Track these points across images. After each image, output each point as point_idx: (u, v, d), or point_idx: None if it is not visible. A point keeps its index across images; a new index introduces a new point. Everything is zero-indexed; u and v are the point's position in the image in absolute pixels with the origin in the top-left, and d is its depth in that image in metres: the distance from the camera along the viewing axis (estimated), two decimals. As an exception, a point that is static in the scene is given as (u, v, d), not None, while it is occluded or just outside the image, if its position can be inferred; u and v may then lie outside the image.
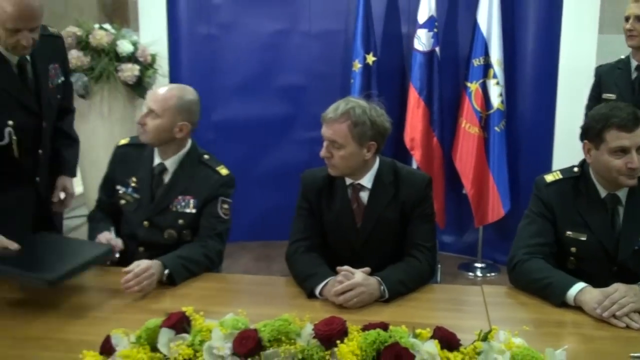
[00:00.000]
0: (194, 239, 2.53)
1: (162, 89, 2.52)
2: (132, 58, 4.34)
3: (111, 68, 4.25)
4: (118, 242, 2.41)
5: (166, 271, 2.29)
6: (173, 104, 2.47)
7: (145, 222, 2.55)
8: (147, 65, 4.43)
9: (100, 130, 4.35)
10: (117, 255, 2.41)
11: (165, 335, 1.65)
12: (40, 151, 2.62)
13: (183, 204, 2.53)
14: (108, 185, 2.67)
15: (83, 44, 4.25)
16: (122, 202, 2.61)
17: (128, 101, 4.45)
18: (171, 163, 2.56)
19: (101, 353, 1.67)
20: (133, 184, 2.59)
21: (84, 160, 4.43)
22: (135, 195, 2.58)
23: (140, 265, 2.22)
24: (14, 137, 2.46)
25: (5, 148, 2.45)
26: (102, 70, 4.22)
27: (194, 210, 2.53)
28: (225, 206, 2.55)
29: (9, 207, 2.45)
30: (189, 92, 2.56)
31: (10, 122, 2.45)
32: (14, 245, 2.19)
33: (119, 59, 4.31)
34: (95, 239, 2.42)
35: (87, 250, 2.26)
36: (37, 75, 2.52)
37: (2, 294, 2.15)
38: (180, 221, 2.52)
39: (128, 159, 2.63)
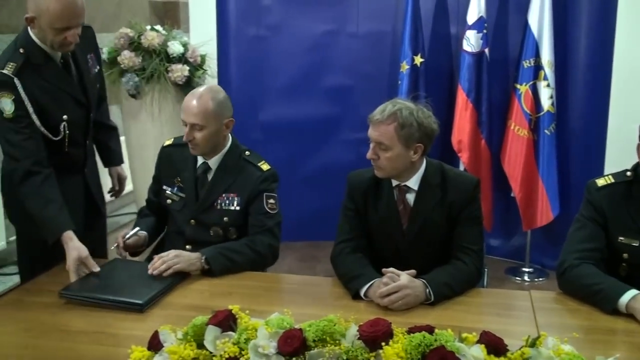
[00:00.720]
0: (239, 237, 2.55)
1: (192, 100, 2.46)
2: (182, 59, 4.41)
3: (162, 68, 4.32)
4: (122, 242, 2.52)
5: (203, 258, 2.33)
6: (212, 109, 2.46)
7: (192, 221, 2.59)
8: (197, 66, 4.49)
9: (151, 130, 4.42)
10: (125, 254, 2.53)
11: (211, 332, 1.67)
12: (87, 142, 2.73)
13: (227, 201, 2.56)
14: (155, 185, 2.74)
15: (135, 45, 4.33)
16: (169, 201, 2.66)
17: (177, 101, 4.51)
18: (214, 162, 2.59)
19: (149, 349, 1.69)
20: (178, 184, 2.63)
21: (133, 159, 4.53)
22: (181, 194, 2.62)
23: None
24: (67, 132, 2.56)
25: (58, 142, 2.55)
26: (153, 70, 4.29)
27: (237, 208, 2.55)
28: (271, 201, 2.56)
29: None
30: (217, 90, 2.56)
31: (65, 117, 2.55)
32: (96, 268, 2.31)
33: (170, 59, 4.37)
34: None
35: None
36: (79, 67, 2.61)
37: (54, 288, 2.21)
38: (225, 218, 2.56)
39: (172, 159, 2.67)
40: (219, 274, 2.34)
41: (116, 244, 2.54)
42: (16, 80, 2.38)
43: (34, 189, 2.41)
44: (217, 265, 2.35)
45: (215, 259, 2.36)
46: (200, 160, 2.61)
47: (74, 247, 2.30)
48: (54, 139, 2.53)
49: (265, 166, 2.60)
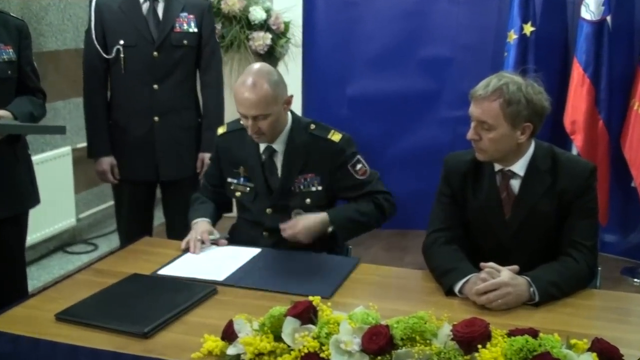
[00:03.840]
0: None
1: (247, 90, 2.41)
2: (264, 26, 4.46)
3: (242, 36, 4.39)
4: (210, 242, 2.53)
5: (330, 229, 2.53)
6: (271, 95, 2.43)
7: (268, 210, 2.62)
8: (280, 34, 4.54)
9: (229, 104, 4.49)
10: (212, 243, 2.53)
11: (290, 324, 1.69)
12: (155, 86, 3.19)
13: (306, 182, 2.59)
14: (213, 174, 2.77)
15: (214, 11, 4.40)
16: (238, 194, 2.68)
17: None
18: (279, 144, 2.59)
19: (223, 338, 1.74)
20: (244, 174, 2.65)
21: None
22: (249, 185, 2.64)
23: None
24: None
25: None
26: (232, 38, 4.36)
27: (320, 188, 2.59)
28: (359, 166, 2.61)
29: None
30: (268, 70, 2.50)
31: (122, 42, 3.14)
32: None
33: (251, 26, 4.43)
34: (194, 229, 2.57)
35: (192, 293, 2.13)
36: (161, 13, 3.19)
37: (125, 269, 2.30)
38: (308, 200, 2.59)
39: (231, 147, 2.68)
40: (345, 240, 2.63)
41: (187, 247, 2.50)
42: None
43: None
44: (344, 232, 2.58)
45: (342, 224, 2.55)
46: (262, 144, 2.61)
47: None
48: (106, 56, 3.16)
49: (336, 136, 2.60)
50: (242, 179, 2.65)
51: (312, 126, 2.62)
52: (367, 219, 2.60)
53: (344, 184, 2.60)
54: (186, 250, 2.48)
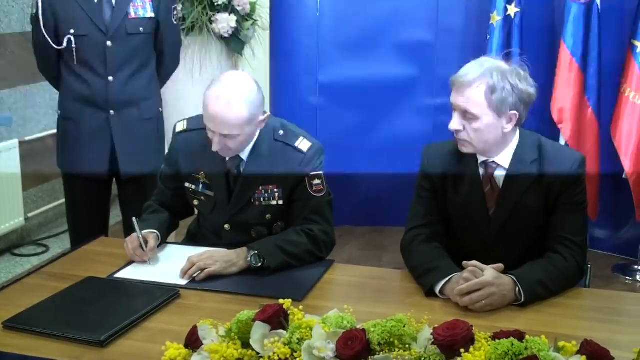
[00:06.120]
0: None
1: (220, 106, 2.27)
2: (228, 7, 4.44)
3: (204, 18, 4.36)
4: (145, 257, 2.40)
5: (252, 254, 2.32)
6: (246, 118, 2.31)
7: (226, 226, 2.55)
8: (246, 16, 4.51)
9: (190, 92, 4.47)
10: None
11: (259, 330, 1.69)
12: (110, 78, 3.12)
13: (267, 195, 2.49)
14: (170, 176, 2.64)
15: (174, -10, 4.38)
16: (195, 202, 2.59)
17: (222, 58, 4.55)
18: (246, 151, 2.48)
19: (186, 346, 1.73)
20: (204, 180, 2.54)
21: (168, 126, 4.60)
22: (209, 193, 2.54)
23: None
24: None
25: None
26: (194, 21, 4.33)
27: (280, 202, 2.50)
28: (316, 181, 2.49)
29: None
30: (247, 86, 2.34)
31: (72, 31, 3.07)
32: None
33: (214, 7, 4.41)
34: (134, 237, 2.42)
35: (152, 297, 2.12)
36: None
37: (79, 273, 2.28)
38: (268, 216, 2.51)
39: (191, 148, 2.56)
40: (275, 271, 2.33)
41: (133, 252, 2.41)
42: None
43: None
44: (274, 260, 2.33)
45: (271, 253, 2.34)
46: None
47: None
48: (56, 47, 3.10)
49: (304, 145, 2.49)
50: (201, 186, 2.55)
51: (280, 132, 2.51)
52: (296, 248, 2.39)
53: (296, 194, 2.49)
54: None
